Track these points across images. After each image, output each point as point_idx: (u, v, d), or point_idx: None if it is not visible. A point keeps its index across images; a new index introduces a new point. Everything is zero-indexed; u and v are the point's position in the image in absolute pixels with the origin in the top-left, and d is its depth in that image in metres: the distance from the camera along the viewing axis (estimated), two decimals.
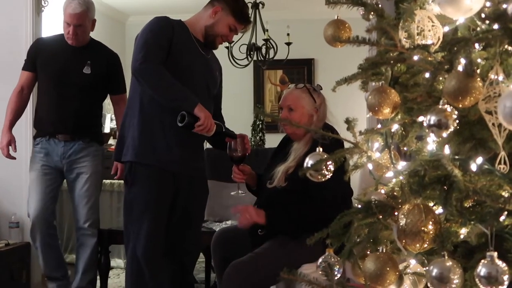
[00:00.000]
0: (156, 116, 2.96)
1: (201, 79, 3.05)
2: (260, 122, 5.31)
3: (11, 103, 3.86)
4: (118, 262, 5.06)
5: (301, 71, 7.02)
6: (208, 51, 3.14)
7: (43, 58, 3.82)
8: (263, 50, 5.88)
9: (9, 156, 3.78)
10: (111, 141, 5.97)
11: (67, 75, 3.73)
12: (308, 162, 1.62)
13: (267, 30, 5.80)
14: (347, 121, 1.62)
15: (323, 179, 1.62)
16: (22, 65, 3.92)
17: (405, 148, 1.60)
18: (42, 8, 4.66)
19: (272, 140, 3.48)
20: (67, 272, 3.88)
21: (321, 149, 1.63)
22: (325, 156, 1.60)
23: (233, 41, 5.71)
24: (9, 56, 4.53)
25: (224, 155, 3.03)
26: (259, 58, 5.94)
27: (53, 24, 5.74)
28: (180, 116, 2.82)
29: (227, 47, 5.79)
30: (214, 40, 3.09)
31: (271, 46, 5.86)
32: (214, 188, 3.92)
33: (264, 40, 5.84)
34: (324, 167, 1.60)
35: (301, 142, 2.95)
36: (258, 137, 5.36)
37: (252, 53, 5.88)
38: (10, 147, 3.77)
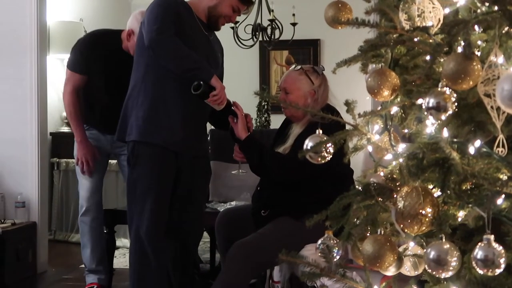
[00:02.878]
0: (160, 96, 2.97)
1: (206, 60, 3.04)
2: (266, 103, 5.30)
3: (72, 106, 3.70)
4: (124, 242, 5.09)
5: (306, 51, 6.98)
6: (210, 32, 3.13)
7: (101, 62, 3.69)
8: (269, 31, 5.84)
9: (89, 172, 3.75)
10: None
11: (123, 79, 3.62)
12: (308, 144, 1.62)
13: (272, 11, 5.76)
14: (347, 103, 1.62)
15: (323, 161, 1.62)
16: (25, 46, 3.87)
17: (405, 131, 1.60)
18: None
19: (278, 121, 3.47)
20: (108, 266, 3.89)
21: (321, 131, 1.63)
22: (325, 138, 1.60)
23: (238, 22, 5.70)
24: (12, 38, 4.53)
25: (228, 136, 3.04)
26: (265, 39, 5.91)
27: (57, 5, 5.74)
28: (196, 84, 2.81)
29: (232, 28, 5.77)
30: (217, 20, 3.08)
31: (277, 27, 5.83)
32: (219, 169, 3.93)
33: (269, 20, 5.80)
34: (323, 149, 1.60)
35: (299, 124, 2.96)
36: (263, 118, 5.35)
37: (257, 33, 5.84)
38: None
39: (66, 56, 5.74)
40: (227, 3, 3.04)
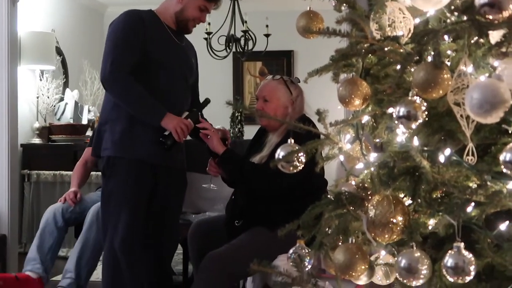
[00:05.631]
0: None
1: (178, 70, 3.03)
2: (239, 114, 5.30)
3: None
4: None
5: (280, 62, 7.01)
6: (182, 38, 3.12)
7: None
8: (242, 42, 5.86)
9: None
10: (89, 132, 5.94)
11: None
12: (280, 153, 1.62)
13: (245, 22, 5.78)
14: (318, 112, 1.62)
15: (295, 171, 1.61)
16: None
17: (376, 140, 1.60)
18: None
19: (251, 132, 3.47)
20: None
21: (292, 141, 1.63)
22: (297, 147, 1.60)
23: (212, 33, 5.71)
24: None
25: (202, 147, 3.03)
26: (238, 50, 5.92)
27: (28, 15, 5.69)
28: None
29: (205, 38, 5.77)
30: (186, 25, 3.06)
31: (250, 38, 5.84)
32: (192, 180, 3.90)
33: (242, 31, 5.82)
34: (295, 159, 1.60)
35: (275, 133, 2.96)
36: (237, 129, 5.35)
37: (231, 44, 5.86)
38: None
39: (37, 67, 5.75)
40: (192, 5, 3.01)
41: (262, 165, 2.88)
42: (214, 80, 6.48)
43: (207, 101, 3.12)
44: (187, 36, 3.18)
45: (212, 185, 3.09)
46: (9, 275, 3.68)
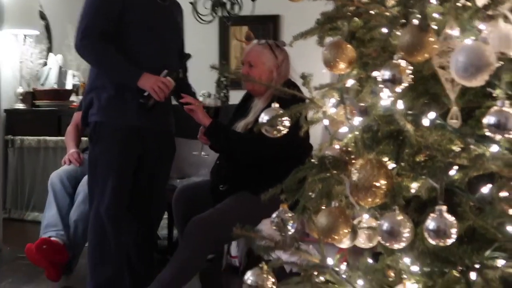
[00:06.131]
0: None
1: (163, 33, 2.98)
2: (225, 79, 5.26)
3: None
4: None
5: (266, 27, 6.92)
6: None
7: None
8: (228, 6, 5.79)
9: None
10: (73, 97, 5.89)
11: None
12: (264, 117, 1.61)
13: None
14: (303, 76, 1.61)
15: (279, 135, 1.61)
16: None
17: (361, 104, 1.60)
18: None
19: (237, 97, 3.46)
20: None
21: (277, 105, 1.62)
22: (281, 111, 1.59)
23: None
24: None
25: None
26: (224, 14, 5.86)
27: None
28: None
29: (191, 3, 5.70)
30: None
31: (236, 2, 5.78)
32: (178, 145, 3.89)
33: None
34: (279, 123, 1.59)
35: (261, 98, 2.95)
36: (222, 94, 5.31)
37: (216, 9, 5.79)
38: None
39: (21, 31, 5.65)
40: None
41: (248, 133, 2.88)
42: (199, 44, 6.40)
43: (187, 57, 3.09)
44: None
45: (203, 152, 3.08)
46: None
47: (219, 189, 2.94)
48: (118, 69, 2.89)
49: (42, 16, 6.09)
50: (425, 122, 1.34)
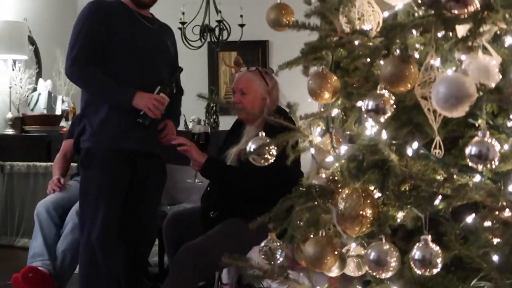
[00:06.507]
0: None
1: (150, 52, 2.99)
2: (214, 105, 5.29)
3: None
4: None
5: (255, 53, 6.98)
6: (153, 22, 3.08)
7: None
8: (217, 32, 5.84)
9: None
10: (63, 123, 5.89)
11: None
12: (251, 146, 1.62)
13: (220, 12, 5.76)
14: (289, 105, 1.63)
15: (266, 163, 1.62)
16: None
17: (346, 133, 1.61)
18: None
19: (226, 123, 3.48)
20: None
21: (263, 133, 1.63)
22: (268, 140, 1.60)
23: (186, 22, 5.67)
24: None
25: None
26: (213, 40, 5.90)
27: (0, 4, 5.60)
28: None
29: (180, 28, 5.74)
30: None
31: (225, 28, 5.83)
32: (168, 171, 3.89)
33: (217, 21, 5.80)
34: (266, 151, 1.60)
35: (253, 125, 2.96)
36: (212, 120, 5.34)
37: (205, 34, 5.84)
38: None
39: (10, 57, 5.66)
40: None
41: (245, 166, 2.87)
42: (189, 70, 6.40)
43: (178, 70, 3.09)
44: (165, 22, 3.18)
45: (197, 180, 3.07)
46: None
47: (210, 215, 2.94)
48: (111, 91, 2.90)
49: (31, 41, 6.11)
50: (409, 151, 1.36)
